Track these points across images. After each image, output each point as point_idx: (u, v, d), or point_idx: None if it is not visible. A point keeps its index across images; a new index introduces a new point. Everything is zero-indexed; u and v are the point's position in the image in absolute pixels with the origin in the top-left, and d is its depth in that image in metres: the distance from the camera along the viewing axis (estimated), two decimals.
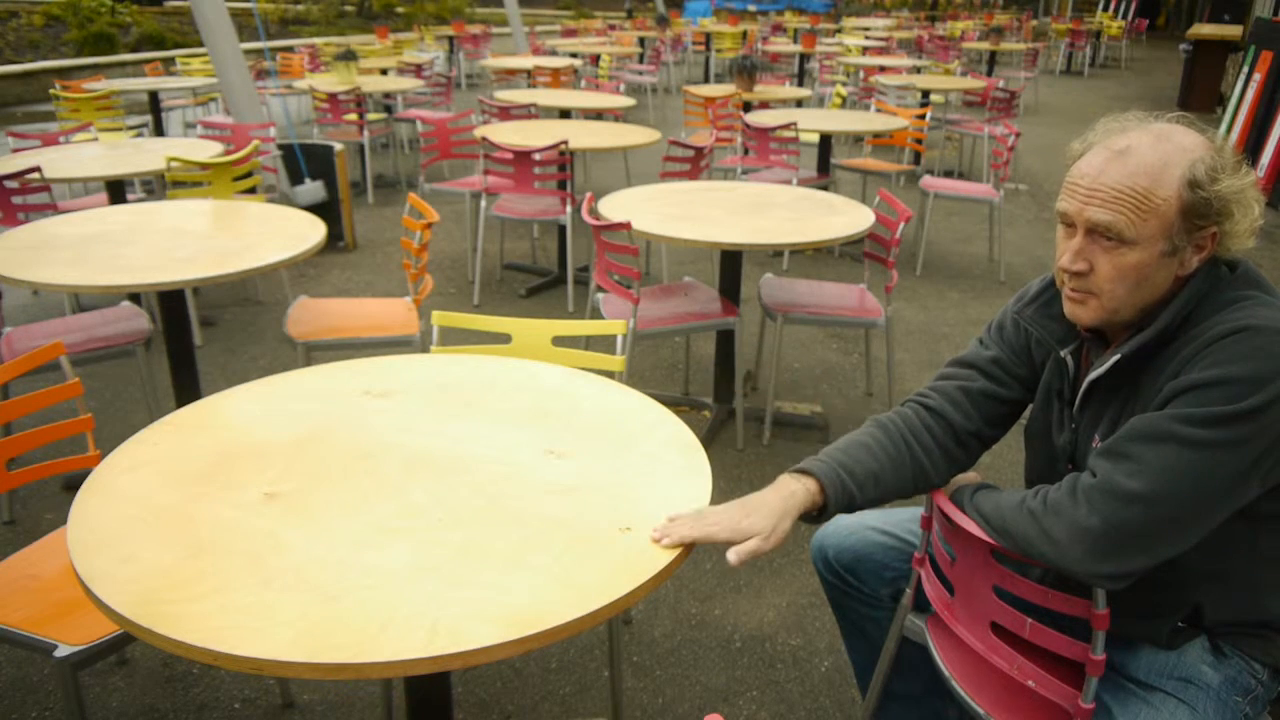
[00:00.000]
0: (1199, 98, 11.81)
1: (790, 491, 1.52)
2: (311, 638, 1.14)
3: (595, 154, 7.68)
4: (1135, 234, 1.37)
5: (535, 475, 1.53)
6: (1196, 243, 1.40)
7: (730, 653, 2.51)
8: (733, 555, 1.41)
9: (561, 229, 5.09)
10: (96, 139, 5.54)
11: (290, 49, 12.21)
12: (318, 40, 14.94)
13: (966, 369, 1.70)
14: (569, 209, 4.83)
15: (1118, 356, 1.45)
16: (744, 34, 15.34)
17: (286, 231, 3.03)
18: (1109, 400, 1.50)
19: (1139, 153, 1.38)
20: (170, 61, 10.44)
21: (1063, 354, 1.58)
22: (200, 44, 7.59)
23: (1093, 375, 1.50)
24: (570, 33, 17.34)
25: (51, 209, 3.87)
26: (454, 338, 2.26)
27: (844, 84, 9.00)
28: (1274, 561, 1.45)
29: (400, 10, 22.18)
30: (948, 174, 7.97)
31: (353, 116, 6.78)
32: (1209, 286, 1.41)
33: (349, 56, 7.71)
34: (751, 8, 25.01)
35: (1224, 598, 1.46)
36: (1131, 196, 1.37)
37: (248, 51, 7.19)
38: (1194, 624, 1.49)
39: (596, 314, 3.45)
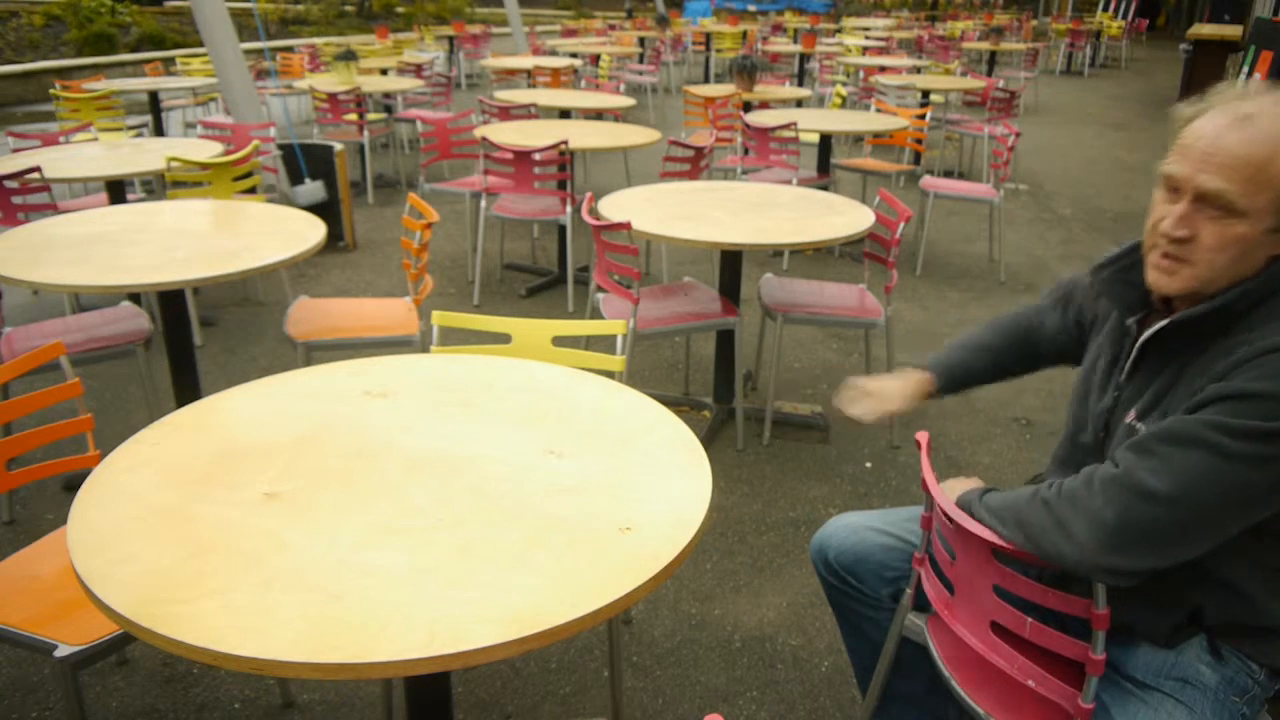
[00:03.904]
0: None
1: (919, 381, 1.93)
2: (311, 638, 1.14)
3: (595, 154, 7.67)
4: (1247, 205, 1.32)
5: (535, 475, 1.53)
6: None
7: (730, 653, 2.51)
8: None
9: (561, 229, 5.09)
10: (96, 139, 5.54)
11: (290, 49, 12.21)
12: (318, 40, 14.95)
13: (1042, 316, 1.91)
14: (569, 209, 4.83)
15: (1171, 320, 1.42)
16: (744, 34, 15.34)
17: (286, 231, 3.03)
18: (1154, 374, 1.47)
19: (1262, 120, 1.32)
20: (170, 61, 10.44)
21: (1129, 322, 1.55)
22: (200, 44, 7.58)
23: (1147, 334, 1.47)
24: (570, 33, 17.34)
25: (51, 209, 3.87)
26: (454, 338, 2.26)
27: (844, 84, 9.00)
28: (1276, 570, 1.44)
29: (400, 10, 22.18)
30: (948, 174, 7.96)
31: (353, 116, 6.78)
32: None
33: (349, 56, 7.71)
34: (751, 8, 25.00)
35: (1225, 601, 1.46)
36: (1248, 165, 1.31)
37: (248, 51, 7.19)
38: (1194, 623, 1.49)
39: (596, 314, 3.45)
